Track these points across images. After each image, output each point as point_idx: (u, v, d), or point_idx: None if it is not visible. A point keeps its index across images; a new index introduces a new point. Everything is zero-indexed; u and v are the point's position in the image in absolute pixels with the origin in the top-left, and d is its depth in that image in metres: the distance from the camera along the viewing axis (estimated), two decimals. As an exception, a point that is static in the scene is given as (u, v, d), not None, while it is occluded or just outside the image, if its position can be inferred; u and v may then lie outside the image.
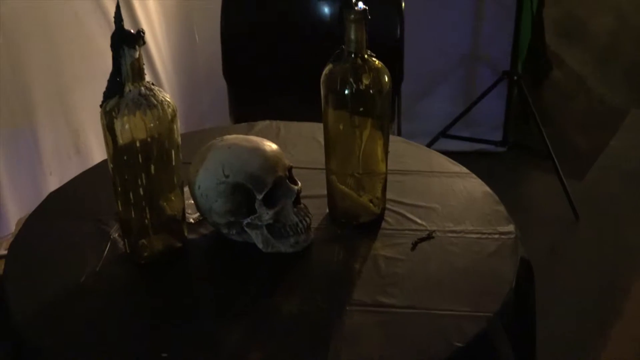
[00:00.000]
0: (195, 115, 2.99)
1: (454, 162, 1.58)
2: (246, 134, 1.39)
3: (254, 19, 2.32)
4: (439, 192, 1.47)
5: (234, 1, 2.30)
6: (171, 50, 2.91)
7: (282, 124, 1.76)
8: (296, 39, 2.29)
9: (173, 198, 1.28)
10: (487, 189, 1.47)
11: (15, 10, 2.40)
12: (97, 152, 2.74)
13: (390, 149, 1.37)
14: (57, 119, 2.62)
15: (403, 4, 2.18)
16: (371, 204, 1.38)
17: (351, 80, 1.28)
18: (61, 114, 2.63)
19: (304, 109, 1.90)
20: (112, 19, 2.67)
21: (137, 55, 1.18)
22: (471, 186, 1.49)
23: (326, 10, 2.26)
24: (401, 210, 1.40)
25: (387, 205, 1.40)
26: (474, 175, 1.52)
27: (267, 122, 1.76)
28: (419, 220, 1.37)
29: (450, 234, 1.34)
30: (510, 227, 1.34)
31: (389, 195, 1.40)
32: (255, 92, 2.32)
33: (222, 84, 2.48)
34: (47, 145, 2.61)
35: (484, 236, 1.33)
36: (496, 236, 1.32)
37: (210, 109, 3.04)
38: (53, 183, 2.61)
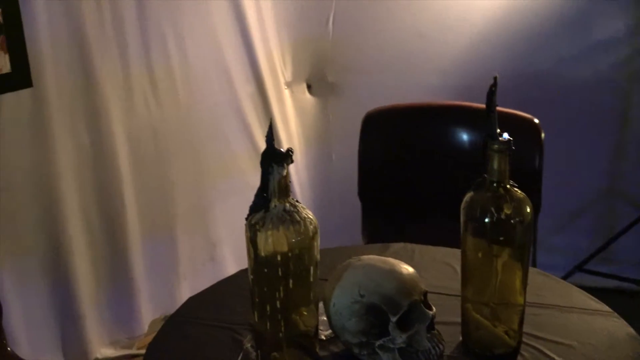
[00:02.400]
0: (327, 231, 3.04)
1: (595, 299, 1.52)
2: (380, 255, 1.40)
3: (391, 143, 2.37)
4: (578, 330, 1.41)
5: (373, 126, 2.36)
6: (308, 168, 3.01)
7: (416, 247, 1.76)
8: (433, 164, 2.32)
9: (307, 313, 1.29)
10: (632, 330, 1.40)
11: (169, 125, 2.57)
12: (230, 263, 2.83)
13: (527, 280, 1.34)
14: (196, 230, 2.74)
15: (543, 135, 2.18)
16: (507, 336, 1.34)
17: (492, 209, 1.27)
18: (200, 225, 2.75)
19: (438, 234, 1.90)
20: (256, 139, 2.82)
21: (284, 173, 1.23)
22: (613, 326, 1.42)
23: (465, 137, 2.29)
24: (538, 345, 1.35)
25: (523, 339, 1.35)
26: (616, 315, 1.46)
27: (402, 244, 1.77)
28: (557, 358, 1.32)
29: (590, 375, 1.27)
30: (657, 374, 1.27)
31: (525, 329, 1.36)
32: (389, 214, 2.34)
33: (356, 203, 2.52)
34: (184, 253, 2.72)
35: (626, 381, 1.26)
36: (641, 382, 1.25)
37: (342, 226, 3.08)
38: (186, 288, 2.71)
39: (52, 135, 2.28)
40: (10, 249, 2.27)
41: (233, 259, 2.84)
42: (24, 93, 2.21)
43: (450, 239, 1.65)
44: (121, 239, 2.52)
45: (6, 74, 2.14)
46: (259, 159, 2.98)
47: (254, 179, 2.92)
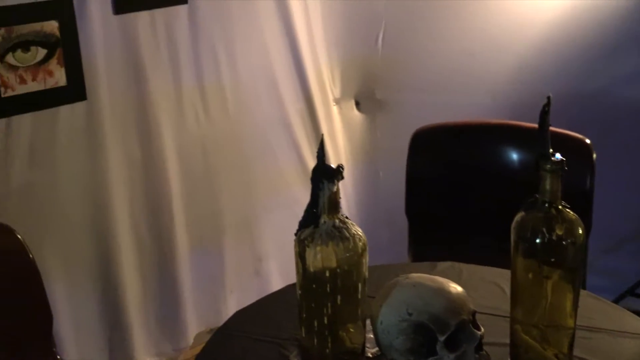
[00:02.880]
0: (373, 249, 3.03)
1: (648, 323, 1.49)
2: (428, 274, 1.39)
3: (440, 162, 2.36)
4: (630, 355, 1.38)
5: (421, 144, 2.36)
6: (355, 184, 3.01)
7: (464, 267, 1.74)
8: (482, 183, 2.30)
9: (354, 330, 1.29)
10: (685, 357, 1.37)
11: (218, 140, 2.60)
12: (276, 277, 2.84)
13: (577, 303, 1.32)
14: (243, 243, 2.76)
15: (594, 155, 2.15)
16: (556, 359, 1.32)
17: (544, 229, 1.26)
18: (247, 239, 2.77)
19: (486, 253, 1.88)
20: (304, 155, 2.84)
21: (334, 189, 1.24)
22: (666, 352, 1.39)
23: (514, 156, 2.27)
24: (589, 370, 1.33)
25: (573, 363, 1.34)
26: (669, 341, 1.42)
27: (450, 263, 1.76)
28: (607, 383, 1.30)
29: (642, 402, 1.25)
30: None
31: (575, 352, 1.33)
32: (437, 232, 2.33)
33: (403, 220, 2.51)
34: (230, 267, 2.74)
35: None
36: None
37: (388, 244, 3.08)
38: (231, 302, 2.72)
39: (105, 148, 2.33)
40: (62, 258, 2.31)
41: (278, 274, 2.85)
42: (79, 106, 2.26)
43: (499, 259, 1.63)
44: (169, 251, 2.55)
45: (62, 87, 2.19)
46: (306, 174, 3.01)
47: (301, 194, 2.95)
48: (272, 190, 2.79)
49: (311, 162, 2.83)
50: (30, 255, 1.83)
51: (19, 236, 1.84)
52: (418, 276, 1.33)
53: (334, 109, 2.96)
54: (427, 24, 2.90)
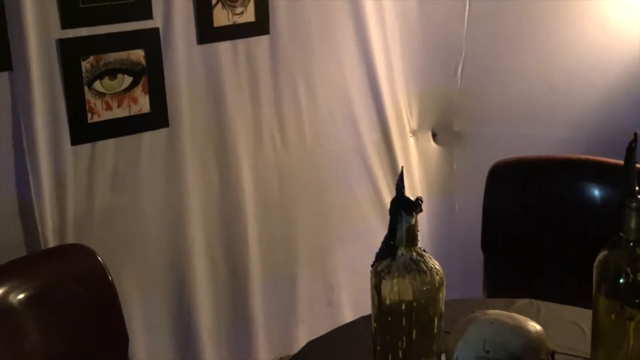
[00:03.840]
0: (446, 283, 3.00)
1: None
2: (505, 310, 1.37)
3: (518, 196, 2.33)
4: None
5: (500, 177, 2.33)
6: (429, 217, 2.99)
7: (542, 304, 1.70)
8: (561, 219, 2.25)
9: (429, 365, 1.28)
10: None
11: (294, 168, 2.62)
12: (348, 308, 2.83)
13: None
14: (316, 273, 2.76)
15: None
16: (639, 404, 1.27)
17: (628, 269, 1.23)
18: (320, 268, 2.77)
19: (565, 292, 1.84)
20: (379, 186, 2.83)
21: (413, 221, 1.23)
22: None
23: (596, 193, 2.22)
24: (673, 418, 1.27)
25: (657, 410, 1.28)
26: None
27: (527, 300, 1.72)
28: None
29: None
30: None
31: (659, 398, 1.29)
32: (514, 268, 2.29)
33: (478, 255, 2.47)
34: (302, 296, 2.74)
35: None
36: None
37: (461, 278, 3.03)
38: (303, 331, 2.72)
39: (184, 173, 2.37)
40: (139, 281, 2.35)
41: (350, 305, 2.84)
42: (161, 132, 2.31)
43: (579, 298, 1.59)
44: (243, 278, 2.57)
45: (146, 114, 2.25)
46: (381, 205, 3.00)
47: (376, 225, 2.94)
48: (347, 220, 2.79)
49: (386, 194, 2.81)
50: (110, 277, 1.88)
51: (100, 258, 1.88)
52: (496, 312, 1.31)
53: (411, 140, 2.95)
54: (507, 55, 2.88)
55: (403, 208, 1.23)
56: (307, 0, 2.53)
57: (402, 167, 1.30)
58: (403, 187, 1.23)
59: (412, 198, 1.23)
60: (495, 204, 2.28)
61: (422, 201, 1.23)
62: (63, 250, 2.02)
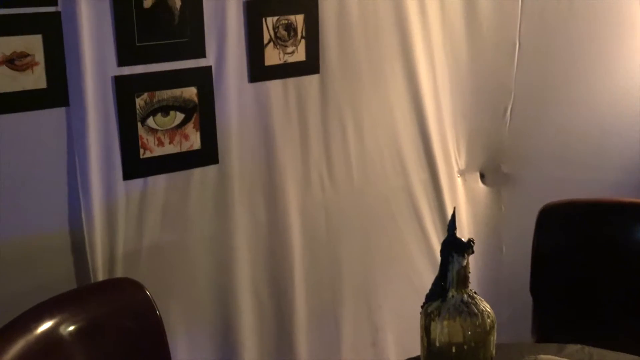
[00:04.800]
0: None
1: None
2: (555, 356, 1.34)
3: (569, 239, 2.30)
4: None
5: (549, 220, 2.30)
6: (476, 258, 2.95)
7: (594, 351, 1.67)
8: (613, 263, 2.22)
9: (479, 410, 1.26)
10: None
11: (341, 207, 2.62)
12: (392, 350, 2.80)
13: None
14: (361, 312, 2.74)
15: None
16: None
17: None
18: (365, 308, 2.75)
19: (617, 338, 1.80)
20: (426, 226, 2.81)
21: (464, 263, 1.23)
22: None
23: (649, 236, 2.18)
24: None
25: None
26: None
27: (579, 346, 1.69)
28: None
29: None
30: None
31: None
32: (563, 313, 2.25)
33: (526, 298, 2.44)
34: (347, 336, 2.72)
35: None
36: None
37: (509, 321, 2.99)
38: (347, 371, 2.70)
39: (232, 210, 2.39)
40: (185, 317, 2.36)
41: (395, 346, 2.81)
42: (211, 169, 2.34)
43: (631, 344, 1.56)
44: (288, 316, 2.57)
45: (196, 150, 2.28)
46: (427, 245, 2.98)
47: (422, 266, 2.91)
48: (393, 259, 2.78)
49: (433, 234, 2.79)
50: (157, 312, 1.89)
51: (148, 292, 1.90)
52: (548, 358, 1.28)
53: (458, 180, 2.94)
54: (558, 97, 2.86)
55: (455, 249, 1.22)
56: (358, 40, 2.55)
57: (455, 208, 1.30)
58: (455, 228, 1.23)
59: (463, 239, 1.22)
60: (545, 246, 2.26)
61: (473, 243, 1.22)
62: (113, 284, 2.05)
